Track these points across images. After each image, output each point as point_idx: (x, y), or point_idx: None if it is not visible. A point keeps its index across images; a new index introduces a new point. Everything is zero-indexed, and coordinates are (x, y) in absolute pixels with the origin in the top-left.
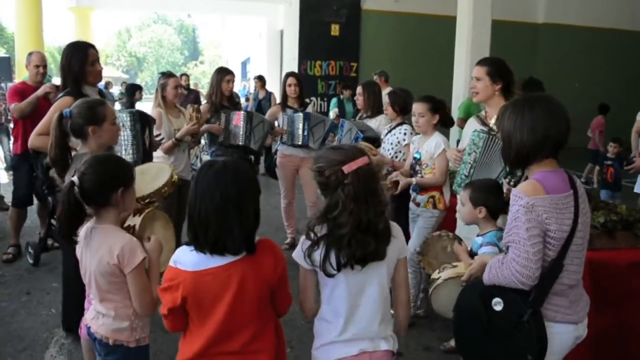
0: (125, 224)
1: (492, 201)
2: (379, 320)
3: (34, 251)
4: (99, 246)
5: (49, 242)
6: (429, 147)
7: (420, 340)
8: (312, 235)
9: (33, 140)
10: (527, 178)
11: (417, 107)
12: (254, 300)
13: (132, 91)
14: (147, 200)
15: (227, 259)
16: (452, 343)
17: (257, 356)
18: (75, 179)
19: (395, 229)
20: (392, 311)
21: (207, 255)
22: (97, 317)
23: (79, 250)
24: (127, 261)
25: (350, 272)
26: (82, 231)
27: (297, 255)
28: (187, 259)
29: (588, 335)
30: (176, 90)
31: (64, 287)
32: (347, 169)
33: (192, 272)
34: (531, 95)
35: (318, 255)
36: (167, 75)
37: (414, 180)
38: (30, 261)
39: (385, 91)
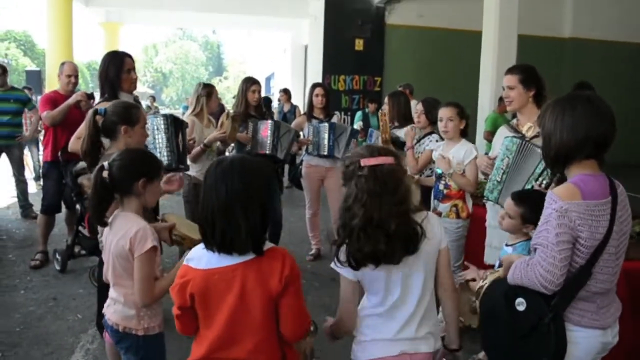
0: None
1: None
2: (420, 319)
3: (61, 258)
4: (118, 230)
5: (76, 249)
6: (458, 153)
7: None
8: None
9: (73, 143)
10: (559, 182)
11: (446, 112)
12: (257, 307)
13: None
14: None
15: (235, 260)
16: (481, 356)
17: None
18: (105, 164)
19: (433, 227)
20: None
21: (218, 255)
22: (110, 305)
23: (104, 235)
24: (137, 245)
25: (389, 270)
26: (111, 218)
27: (333, 264)
28: (199, 257)
29: (624, 348)
30: (218, 101)
31: (99, 289)
32: (364, 162)
33: (202, 270)
34: (573, 93)
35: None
36: (210, 85)
37: (451, 170)
38: (57, 268)
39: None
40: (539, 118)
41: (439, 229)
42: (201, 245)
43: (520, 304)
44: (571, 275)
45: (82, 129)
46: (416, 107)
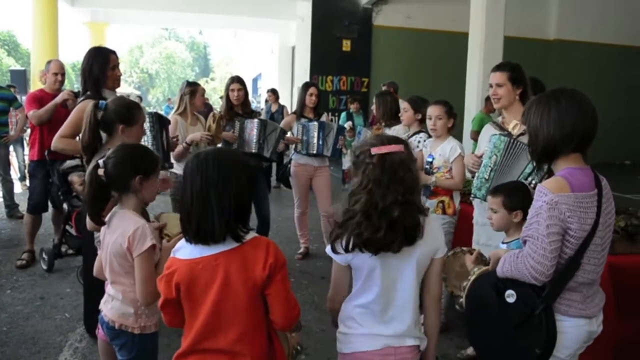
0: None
1: (528, 203)
2: (405, 315)
3: (48, 257)
4: (116, 228)
5: (63, 248)
6: (444, 150)
7: (438, 349)
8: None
9: (57, 141)
10: (549, 176)
11: (435, 110)
12: (241, 295)
13: None
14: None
15: (218, 249)
16: (470, 351)
17: (242, 359)
18: (100, 161)
19: (433, 230)
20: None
21: (201, 245)
22: (108, 301)
23: (102, 233)
24: (136, 245)
25: (381, 265)
26: (108, 216)
27: (328, 249)
28: (184, 248)
29: (610, 342)
30: (203, 98)
31: (85, 288)
32: (375, 150)
33: (187, 260)
34: (557, 89)
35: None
36: (194, 84)
37: (433, 178)
38: (44, 267)
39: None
40: (523, 115)
41: (440, 234)
42: None
43: (511, 296)
44: (561, 266)
45: (66, 128)
46: (402, 105)
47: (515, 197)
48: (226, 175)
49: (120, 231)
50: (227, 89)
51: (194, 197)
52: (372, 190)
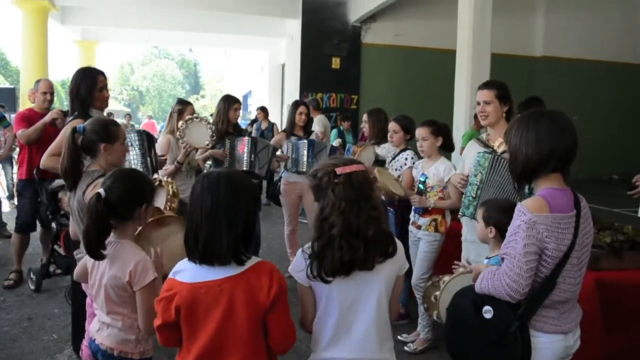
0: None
1: (503, 222)
2: (375, 340)
3: (36, 277)
4: (114, 260)
5: (51, 268)
6: (438, 171)
7: None
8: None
9: (45, 160)
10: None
11: (420, 132)
12: (244, 321)
13: None
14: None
15: (222, 274)
16: None
17: None
18: (102, 191)
19: (398, 246)
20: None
21: (205, 268)
22: (103, 329)
23: (90, 262)
24: (138, 278)
25: (342, 287)
26: None
27: (293, 268)
28: (186, 270)
29: (598, 357)
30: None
31: (73, 308)
32: (340, 170)
33: (188, 283)
34: (537, 110)
35: (312, 264)
36: (184, 102)
37: (431, 201)
38: (32, 287)
39: (316, 118)
40: (505, 134)
41: (402, 254)
42: (187, 259)
43: (488, 312)
44: (537, 285)
45: (55, 146)
46: (389, 126)
47: (492, 214)
48: (238, 196)
49: (119, 264)
50: (229, 109)
51: (203, 217)
52: (345, 210)
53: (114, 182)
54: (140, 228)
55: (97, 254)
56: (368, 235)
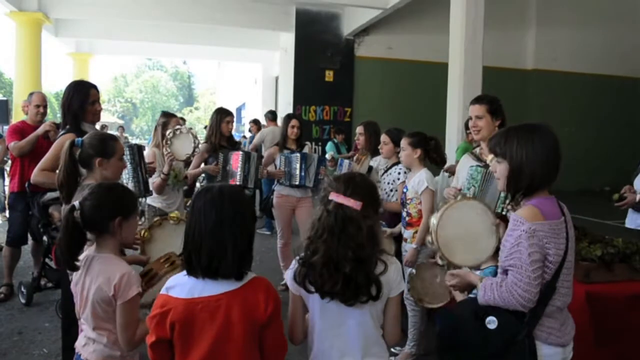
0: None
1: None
2: (360, 357)
3: (27, 291)
4: (99, 274)
5: (42, 282)
6: (414, 182)
7: None
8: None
9: (36, 175)
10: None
11: (401, 142)
12: (240, 336)
13: None
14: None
15: (219, 289)
16: None
17: None
18: (76, 203)
19: (390, 275)
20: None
21: (201, 283)
22: (88, 344)
23: (76, 276)
24: (122, 292)
25: (324, 304)
26: (82, 258)
27: (288, 276)
28: (181, 286)
29: None
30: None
31: (63, 322)
32: (333, 196)
33: (183, 299)
34: (529, 124)
35: (300, 270)
36: (168, 114)
37: (413, 245)
38: (23, 301)
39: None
40: (497, 146)
41: (395, 275)
42: (182, 273)
43: (492, 322)
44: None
45: (46, 161)
46: (381, 137)
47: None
48: (242, 213)
49: (104, 277)
50: (221, 121)
51: (206, 232)
52: (327, 240)
53: (89, 194)
54: (153, 270)
55: (70, 264)
56: (345, 273)
